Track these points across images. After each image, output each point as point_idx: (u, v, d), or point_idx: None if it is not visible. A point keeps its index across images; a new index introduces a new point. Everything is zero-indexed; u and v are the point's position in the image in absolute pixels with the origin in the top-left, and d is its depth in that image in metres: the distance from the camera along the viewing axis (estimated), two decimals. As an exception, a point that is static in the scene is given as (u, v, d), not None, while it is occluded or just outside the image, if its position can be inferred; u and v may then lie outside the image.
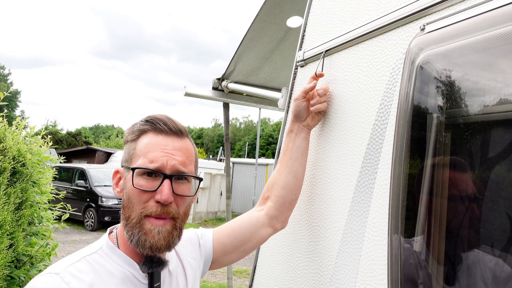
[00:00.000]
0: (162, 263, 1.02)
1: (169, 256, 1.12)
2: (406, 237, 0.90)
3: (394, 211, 0.94)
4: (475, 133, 0.79)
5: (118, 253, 1.03)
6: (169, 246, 1.01)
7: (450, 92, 0.85)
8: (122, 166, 1.08)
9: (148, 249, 0.98)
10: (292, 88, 1.67)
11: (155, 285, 1.01)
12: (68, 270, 0.95)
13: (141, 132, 1.05)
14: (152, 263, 1.01)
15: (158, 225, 0.98)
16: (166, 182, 0.98)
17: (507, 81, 0.73)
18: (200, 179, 1.09)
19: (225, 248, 1.29)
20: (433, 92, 0.88)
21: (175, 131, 1.05)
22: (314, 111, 1.37)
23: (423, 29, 0.97)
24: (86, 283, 0.94)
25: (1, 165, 2.42)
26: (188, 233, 1.27)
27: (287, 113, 1.68)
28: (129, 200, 1.00)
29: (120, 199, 1.08)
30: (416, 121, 0.91)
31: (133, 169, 1.00)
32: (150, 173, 0.99)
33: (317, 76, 1.38)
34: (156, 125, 1.04)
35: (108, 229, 1.11)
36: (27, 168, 2.66)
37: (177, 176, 1.01)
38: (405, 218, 0.91)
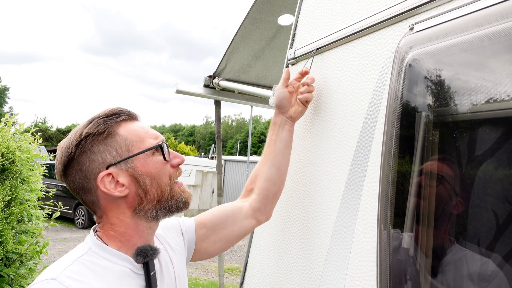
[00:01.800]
0: (155, 251, 1.03)
1: (156, 244, 1.12)
2: (395, 234, 0.91)
3: (384, 208, 0.95)
4: (463, 131, 0.80)
5: (108, 250, 1.00)
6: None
7: (439, 90, 0.86)
8: (114, 164, 0.99)
9: (186, 207, 1.09)
10: (283, 86, 1.67)
11: (151, 274, 1.02)
12: (64, 274, 0.92)
13: (116, 124, 1.03)
14: (146, 252, 1.01)
15: (181, 184, 1.10)
16: (170, 149, 1.08)
17: (495, 80, 0.74)
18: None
19: (207, 232, 1.29)
20: (422, 91, 0.89)
21: (134, 115, 1.09)
22: (301, 100, 1.38)
23: (411, 29, 0.98)
24: (86, 284, 0.91)
25: (-11, 163, 2.39)
26: (170, 220, 1.27)
27: (278, 110, 1.68)
28: (153, 180, 1.02)
29: None
30: (405, 119, 0.92)
31: (157, 147, 1.04)
32: (157, 148, 1.05)
33: (303, 74, 1.40)
34: (127, 114, 1.06)
35: (92, 229, 1.08)
36: (17, 166, 2.63)
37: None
38: (394, 215, 0.92)
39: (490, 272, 0.73)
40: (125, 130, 1.02)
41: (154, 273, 1.03)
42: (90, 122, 1.01)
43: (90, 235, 1.04)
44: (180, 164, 1.08)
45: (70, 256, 0.99)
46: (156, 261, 1.08)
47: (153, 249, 1.03)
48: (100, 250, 1.00)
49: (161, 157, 1.04)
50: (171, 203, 1.05)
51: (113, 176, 0.99)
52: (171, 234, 1.23)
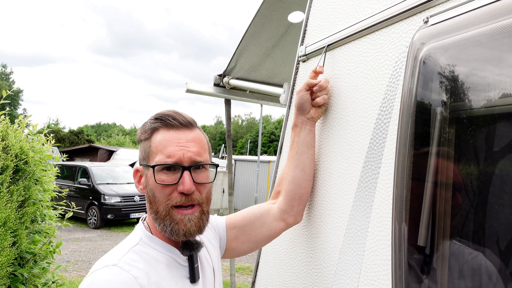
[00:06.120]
0: (199, 245, 1.11)
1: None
2: (410, 232, 0.89)
3: (398, 206, 0.93)
4: (478, 127, 0.78)
5: (157, 242, 1.10)
6: (201, 230, 1.09)
7: (454, 86, 0.84)
8: (140, 165, 1.14)
9: (182, 236, 1.06)
10: (294, 83, 1.66)
11: (195, 266, 1.10)
12: (123, 261, 1.01)
13: (153, 130, 1.10)
14: (192, 245, 1.09)
15: (187, 213, 1.06)
16: (186, 173, 1.05)
17: (512, 74, 0.72)
18: (217, 165, 1.15)
19: (237, 233, 1.34)
20: (436, 86, 0.87)
21: (185, 123, 1.10)
22: (318, 103, 1.37)
23: (426, 22, 0.96)
24: (142, 270, 1.00)
25: (3, 163, 2.42)
26: None
27: (289, 108, 1.67)
28: (154, 195, 1.07)
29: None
30: (420, 115, 0.90)
31: (153, 167, 1.05)
32: (169, 168, 1.05)
33: (317, 73, 1.37)
34: (166, 121, 1.09)
35: (140, 220, 1.16)
36: (30, 166, 2.66)
37: (195, 166, 1.07)
38: (409, 214, 0.90)
39: (509, 273, 0.71)
40: (156, 138, 1.09)
41: (197, 266, 1.12)
42: (146, 122, 1.13)
43: (139, 225, 1.14)
44: (182, 192, 1.04)
45: (124, 245, 1.08)
46: (197, 255, 1.15)
47: (197, 242, 1.11)
48: (150, 241, 1.10)
49: (165, 177, 1.05)
50: (166, 227, 1.05)
51: (140, 174, 1.13)
52: (208, 229, 1.27)
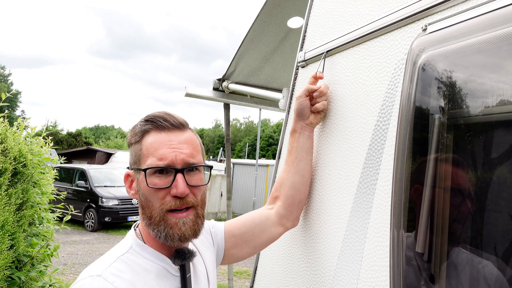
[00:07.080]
0: (192, 254, 1.06)
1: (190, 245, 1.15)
2: (409, 239, 0.90)
3: (397, 212, 0.93)
4: (477, 134, 0.79)
5: (148, 250, 1.05)
6: (196, 234, 1.05)
7: (452, 93, 0.84)
8: (131, 169, 1.09)
9: (177, 241, 1.02)
10: (293, 88, 1.67)
11: (187, 276, 1.05)
12: (108, 271, 0.96)
13: (143, 132, 1.06)
14: (184, 254, 1.05)
15: (181, 217, 1.02)
16: (179, 176, 1.01)
17: (510, 82, 0.72)
18: (211, 167, 1.11)
19: (236, 240, 1.32)
20: (435, 93, 0.88)
21: (177, 125, 1.06)
22: (318, 109, 1.37)
23: (425, 30, 0.96)
24: (128, 281, 0.96)
25: (2, 166, 2.41)
26: None
27: (288, 113, 1.67)
28: (146, 200, 1.03)
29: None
30: (418, 122, 0.90)
31: (144, 170, 1.01)
32: (162, 171, 1.02)
33: (316, 78, 1.38)
34: (157, 123, 1.05)
35: (132, 227, 1.13)
36: (28, 169, 2.65)
37: (188, 168, 1.03)
38: (408, 220, 0.91)
39: (508, 279, 0.71)
40: (147, 140, 1.05)
41: (190, 276, 1.07)
42: (136, 124, 1.09)
43: (131, 232, 1.10)
44: (176, 196, 1.00)
45: (113, 253, 1.04)
46: (190, 265, 1.11)
47: (190, 251, 1.06)
48: (141, 250, 1.05)
49: (157, 180, 1.01)
50: (160, 233, 1.01)
51: (132, 178, 1.09)
52: (203, 235, 1.23)
